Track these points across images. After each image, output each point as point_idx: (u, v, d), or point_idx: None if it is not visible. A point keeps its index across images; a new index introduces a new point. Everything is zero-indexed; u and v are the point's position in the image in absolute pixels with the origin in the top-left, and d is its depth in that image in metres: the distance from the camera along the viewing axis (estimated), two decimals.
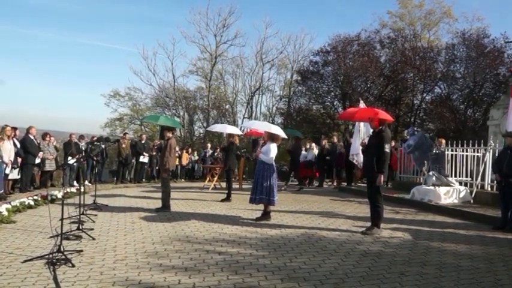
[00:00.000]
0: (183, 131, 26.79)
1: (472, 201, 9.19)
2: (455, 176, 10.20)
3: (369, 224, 6.42)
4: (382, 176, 6.08)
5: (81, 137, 13.13)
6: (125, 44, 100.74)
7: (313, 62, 23.29)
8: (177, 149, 15.57)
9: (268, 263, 4.62)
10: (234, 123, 25.09)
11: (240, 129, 13.25)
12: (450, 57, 20.53)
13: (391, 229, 6.54)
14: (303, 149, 15.54)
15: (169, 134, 8.32)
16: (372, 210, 6.37)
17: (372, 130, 6.89)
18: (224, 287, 3.89)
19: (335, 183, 14.49)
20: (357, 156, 12.13)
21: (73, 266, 4.36)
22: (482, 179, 9.41)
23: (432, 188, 9.27)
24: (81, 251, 4.95)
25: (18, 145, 10.09)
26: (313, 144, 14.90)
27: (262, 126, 9.26)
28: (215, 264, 4.55)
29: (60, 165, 10.30)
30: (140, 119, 27.55)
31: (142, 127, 28.21)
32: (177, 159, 14.39)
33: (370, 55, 21.17)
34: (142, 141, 14.67)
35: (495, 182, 8.10)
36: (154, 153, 14.68)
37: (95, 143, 12.09)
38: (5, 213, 6.73)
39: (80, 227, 5.97)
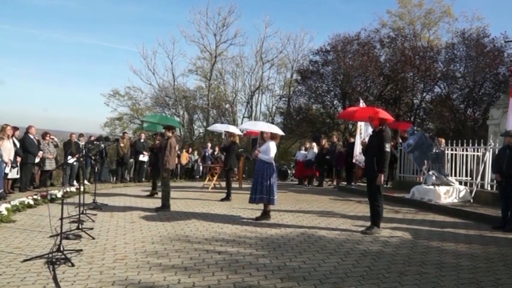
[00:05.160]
0: (183, 130, 26.77)
1: (471, 200, 9.19)
2: (455, 176, 10.20)
3: (368, 223, 6.42)
4: (382, 175, 6.08)
5: (81, 135, 13.13)
6: (124, 44, 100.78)
7: (313, 62, 23.26)
8: (177, 148, 15.57)
9: (268, 263, 4.62)
10: (233, 122, 25.07)
11: (241, 131, 13.15)
12: (450, 57, 20.51)
13: (391, 228, 6.54)
14: (302, 148, 15.57)
15: (169, 134, 8.32)
16: (372, 210, 6.37)
17: (371, 130, 6.89)
18: (224, 286, 3.89)
19: (335, 183, 14.49)
20: (358, 156, 12.19)
21: (73, 265, 4.36)
22: (482, 178, 9.42)
23: (432, 187, 9.27)
24: (81, 250, 4.95)
25: (18, 144, 10.09)
26: (313, 144, 14.93)
27: (260, 127, 9.27)
28: (215, 264, 4.54)
29: (59, 165, 10.29)
30: (141, 123, 27.46)
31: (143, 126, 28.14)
32: (176, 159, 14.37)
33: (370, 54, 21.14)
34: (141, 140, 14.65)
35: (495, 181, 8.11)
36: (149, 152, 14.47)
37: (95, 142, 12.08)
38: (5, 212, 6.73)
39: (80, 227, 5.98)
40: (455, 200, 9.18)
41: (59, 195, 8.81)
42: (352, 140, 13.94)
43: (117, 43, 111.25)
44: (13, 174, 10.06)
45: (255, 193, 7.07)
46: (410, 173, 12.12)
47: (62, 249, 4.59)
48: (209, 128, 17.53)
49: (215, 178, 12.72)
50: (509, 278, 4.28)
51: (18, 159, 10.04)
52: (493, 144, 9.27)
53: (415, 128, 11.86)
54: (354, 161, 12.69)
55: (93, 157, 10.25)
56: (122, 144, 13.93)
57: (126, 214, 7.54)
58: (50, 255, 4.52)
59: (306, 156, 14.69)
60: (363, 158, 11.95)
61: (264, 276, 4.18)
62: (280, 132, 7.92)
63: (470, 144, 10.05)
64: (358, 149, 12.31)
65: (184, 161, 16.49)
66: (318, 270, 4.37)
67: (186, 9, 63.83)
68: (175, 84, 26.66)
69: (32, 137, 10.78)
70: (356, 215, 7.94)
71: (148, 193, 10.44)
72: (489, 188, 9.39)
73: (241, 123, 24.84)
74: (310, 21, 63.00)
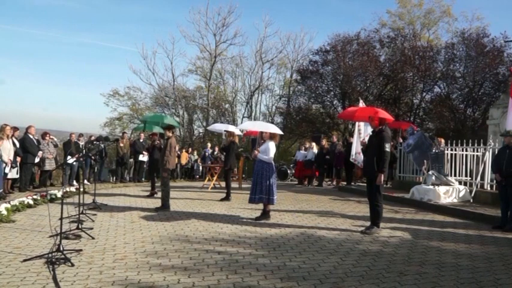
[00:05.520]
0: (183, 130, 26.77)
1: (471, 200, 9.20)
2: (455, 176, 10.20)
3: (368, 223, 6.42)
4: (382, 175, 6.08)
5: (80, 135, 13.14)
6: (124, 44, 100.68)
7: (313, 61, 23.29)
8: (177, 148, 15.54)
9: (267, 263, 4.62)
10: (233, 122, 25.07)
11: (240, 131, 13.17)
12: (450, 57, 20.52)
13: (390, 228, 6.55)
14: (302, 148, 15.57)
15: (170, 133, 8.32)
16: (372, 210, 6.37)
17: (371, 130, 6.89)
18: (223, 286, 3.89)
19: (334, 183, 14.50)
20: (355, 155, 12.22)
21: (72, 265, 4.36)
22: (482, 178, 9.42)
23: (432, 187, 9.27)
24: (81, 250, 4.95)
25: (17, 144, 10.10)
26: (313, 144, 14.93)
27: (257, 126, 9.25)
28: (214, 264, 4.54)
29: (59, 165, 10.29)
30: (141, 122, 27.41)
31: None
32: (176, 159, 14.34)
33: (369, 54, 21.16)
34: (141, 140, 14.66)
35: (495, 181, 8.10)
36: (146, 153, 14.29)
37: (94, 142, 12.08)
38: (4, 212, 6.73)
39: (80, 227, 5.98)
40: (455, 200, 9.19)
41: (59, 195, 8.82)
42: (351, 140, 13.94)
43: (117, 43, 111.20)
44: (13, 174, 10.07)
45: (255, 193, 7.07)
46: (410, 173, 12.12)
47: (61, 249, 4.59)
48: (208, 128, 17.52)
49: (215, 178, 12.72)
50: (508, 278, 4.28)
51: (18, 159, 10.05)
52: (492, 144, 9.27)
53: (414, 127, 11.86)
54: (350, 159, 12.70)
55: (93, 157, 10.25)
56: (121, 144, 13.93)
57: (126, 214, 7.54)
58: (50, 255, 4.52)
59: (306, 156, 14.70)
60: (361, 157, 12.00)
61: (264, 276, 4.18)
62: (279, 132, 7.93)
63: (470, 144, 10.05)
64: (355, 148, 12.32)
65: (184, 161, 16.49)
66: (317, 270, 4.38)
67: (186, 9, 63.96)
68: (175, 84, 26.70)
69: (31, 137, 10.79)
70: (356, 215, 7.94)
71: (148, 193, 10.43)
72: (489, 188, 9.39)
73: (241, 123, 24.85)
74: (310, 20, 63.19)
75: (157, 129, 12.04)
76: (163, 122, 11.88)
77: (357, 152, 12.24)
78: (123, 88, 28.35)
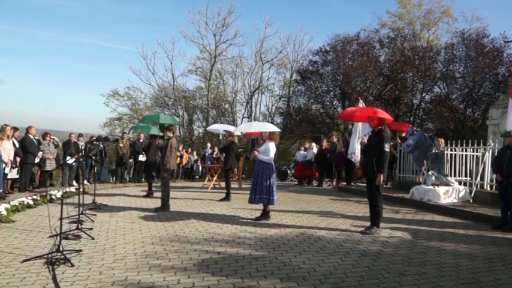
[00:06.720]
0: (183, 130, 26.76)
1: (471, 200, 9.20)
2: (455, 176, 10.20)
3: (368, 223, 6.42)
4: (382, 175, 6.08)
5: (80, 135, 13.14)
6: (124, 44, 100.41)
7: (313, 62, 23.28)
8: (180, 148, 15.56)
9: (267, 263, 4.62)
10: (233, 122, 25.07)
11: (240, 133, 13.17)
12: (449, 57, 20.52)
13: (390, 229, 6.55)
14: (302, 148, 15.57)
15: (170, 134, 8.31)
16: (371, 210, 6.37)
17: (370, 129, 6.89)
18: (223, 286, 3.89)
19: (334, 183, 14.49)
20: (355, 154, 12.22)
21: (72, 265, 4.36)
22: (482, 178, 9.41)
23: (431, 187, 9.27)
24: (80, 250, 4.95)
25: (17, 144, 10.10)
26: (313, 144, 14.93)
27: (254, 127, 9.26)
28: (214, 264, 4.54)
29: (59, 165, 10.29)
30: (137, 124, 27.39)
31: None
32: (178, 159, 14.36)
33: (369, 55, 21.16)
34: (141, 140, 14.65)
35: (494, 181, 8.10)
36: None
37: (94, 142, 12.07)
38: (4, 212, 6.73)
39: (79, 227, 5.98)
40: (455, 200, 9.19)
41: (59, 195, 8.81)
42: (349, 139, 13.93)
43: (117, 43, 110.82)
44: (13, 174, 10.06)
45: (255, 193, 7.08)
46: (410, 173, 12.12)
47: (61, 249, 4.59)
48: (208, 129, 17.53)
49: (215, 178, 12.72)
50: (508, 278, 4.28)
51: (18, 159, 10.05)
52: (492, 144, 9.27)
53: (414, 128, 11.84)
54: (347, 156, 12.69)
55: (93, 157, 10.25)
56: (121, 145, 13.93)
57: (126, 214, 7.55)
58: (50, 255, 4.53)
59: (306, 157, 14.69)
60: (358, 156, 12.00)
61: (264, 276, 4.18)
62: (276, 129, 7.98)
63: (470, 145, 10.06)
64: (350, 147, 12.31)
65: (184, 161, 16.48)
66: (317, 271, 4.38)
67: (186, 10, 63.92)
68: (175, 85, 26.69)
69: (32, 137, 10.80)
70: (355, 215, 7.94)
71: (145, 193, 10.42)
72: (488, 188, 9.39)
73: (241, 123, 24.86)
74: (310, 20, 63.15)
75: (155, 131, 12.00)
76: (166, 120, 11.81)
77: (352, 152, 12.24)
78: (122, 88, 28.36)
